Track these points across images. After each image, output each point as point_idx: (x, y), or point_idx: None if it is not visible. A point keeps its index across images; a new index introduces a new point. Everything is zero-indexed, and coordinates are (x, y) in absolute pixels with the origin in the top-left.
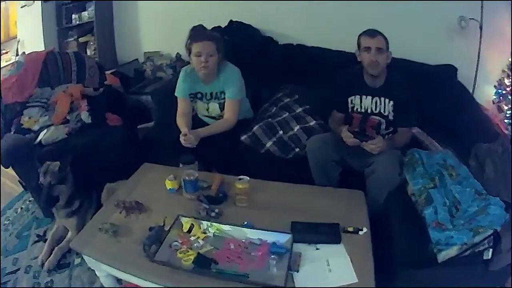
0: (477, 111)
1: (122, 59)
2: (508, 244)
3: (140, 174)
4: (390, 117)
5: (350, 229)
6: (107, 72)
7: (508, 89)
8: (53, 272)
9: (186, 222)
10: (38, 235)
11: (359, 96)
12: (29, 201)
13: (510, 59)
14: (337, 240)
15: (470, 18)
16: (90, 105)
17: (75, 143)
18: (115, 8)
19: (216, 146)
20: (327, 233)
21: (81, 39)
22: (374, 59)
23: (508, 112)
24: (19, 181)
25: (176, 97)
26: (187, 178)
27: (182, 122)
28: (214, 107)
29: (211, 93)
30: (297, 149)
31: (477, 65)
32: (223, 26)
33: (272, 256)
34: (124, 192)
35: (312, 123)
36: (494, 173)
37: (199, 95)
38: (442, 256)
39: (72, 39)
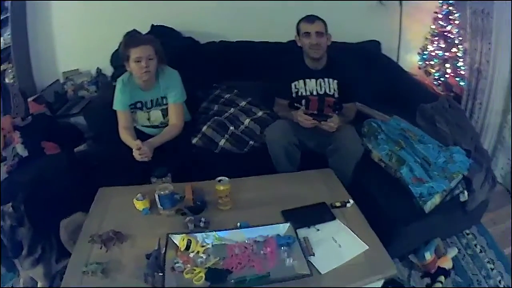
0: (408, 78)
1: (42, 83)
2: (478, 184)
3: (102, 201)
4: (336, 95)
5: (338, 204)
6: (30, 99)
7: (433, 54)
8: None
9: (181, 240)
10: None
11: (302, 80)
12: None
13: (432, 26)
14: (332, 217)
15: None
16: (23, 136)
17: (19, 180)
18: (29, 32)
19: (171, 154)
20: (320, 213)
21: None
22: (315, 42)
23: (436, 74)
24: None
25: (113, 112)
26: (162, 193)
27: (128, 136)
28: (156, 114)
29: (151, 100)
30: (251, 142)
31: (400, 37)
32: (144, 32)
33: (283, 248)
34: (93, 224)
35: (260, 113)
36: (448, 126)
37: (138, 105)
38: (429, 206)
39: None
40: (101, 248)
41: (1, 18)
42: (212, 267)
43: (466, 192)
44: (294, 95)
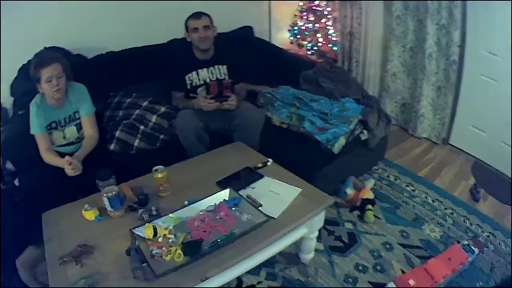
0: (284, 53)
1: None
2: (374, 123)
3: (51, 225)
4: (227, 79)
5: (260, 165)
6: None
7: (303, 28)
8: None
9: (147, 229)
10: None
11: (195, 72)
12: None
13: (300, 3)
14: (260, 176)
15: None
16: None
17: None
18: None
19: (93, 165)
20: (248, 175)
21: None
22: (203, 35)
23: (309, 45)
24: None
25: (29, 140)
26: (110, 195)
27: (53, 156)
28: (71, 131)
29: (65, 118)
30: (162, 136)
31: (270, 18)
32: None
33: (234, 209)
34: (55, 248)
35: (163, 109)
36: (333, 83)
37: (53, 125)
38: (337, 148)
39: None
40: (76, 264)
41: None
42: (184, 242)
43: (365, 132)
44: (189, 86)
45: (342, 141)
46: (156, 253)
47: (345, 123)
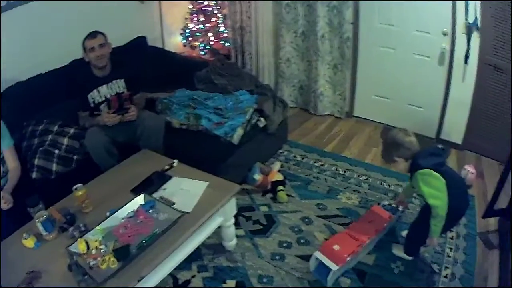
0: (177, 57)
1: None
2: (270, 109)
3: (1, 260)
4: (125, 91)
5: (167, 167)
6: None
7: (194, 30)
8: None
9: (80, 245)
10: None
11: (96, 90)
12: None
13: (190, 6)
14: (168, 177)
15: None
16: None
17: None
18: None
19: (21, 195)
20: (158, 178)
21: None
22: (99, 54)
23: (201, 45)
24: None
25: None
26: (42, 219)
27: None
28: None
29: None
30: (75, 157)
31: (161, 25)
32: None
33: (151, 211)
34: (10, 279)
35: (72, 130)
36: (225, 79)
37: None
38: (236, 139)
39: None
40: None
41: None
42: (115, 249)
43: (262, 119)
44: (92, 104)
45: (240, 131)
46: (93, 264)
47: (241, 114)
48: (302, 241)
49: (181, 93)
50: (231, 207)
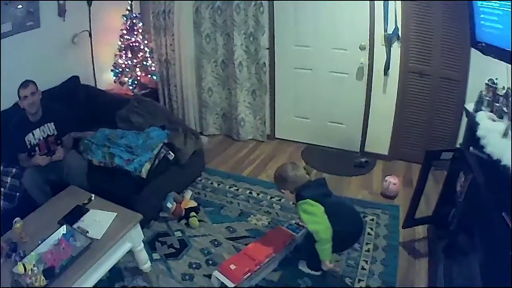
0: (104, 95)
1: None
2: (180, 143)
3: None
4: (55, 133)
5: (86, 201)
6: None
7: (123, 65)
8: None
9: (19, 267)
10: None
11: (31, 133)
12: None
13: (118, 43)
14: (87, 210)
15: (82, 31)
16: None
17: None
18: None
19: None
20: (79, 211)
21: None
22: (31, 101)
23: (130, 81)
24: None
25: None
26: None
27: None
28: None
29: None
30: (17, 194)
31: (93, 63)
32: None
33: (71, 239)
34: None
35: (14, 170)
36: (140, 117)
37: None
38: (144, 172)
39: None
40: None
41: None
42: (44, 270)
43: (171, 153)
44: (29, 146)
45: (147, 166)
46: (29, 282)
47: (149, 151)
48: (210, 262)
49: (101, 133)
50: (137, 234)
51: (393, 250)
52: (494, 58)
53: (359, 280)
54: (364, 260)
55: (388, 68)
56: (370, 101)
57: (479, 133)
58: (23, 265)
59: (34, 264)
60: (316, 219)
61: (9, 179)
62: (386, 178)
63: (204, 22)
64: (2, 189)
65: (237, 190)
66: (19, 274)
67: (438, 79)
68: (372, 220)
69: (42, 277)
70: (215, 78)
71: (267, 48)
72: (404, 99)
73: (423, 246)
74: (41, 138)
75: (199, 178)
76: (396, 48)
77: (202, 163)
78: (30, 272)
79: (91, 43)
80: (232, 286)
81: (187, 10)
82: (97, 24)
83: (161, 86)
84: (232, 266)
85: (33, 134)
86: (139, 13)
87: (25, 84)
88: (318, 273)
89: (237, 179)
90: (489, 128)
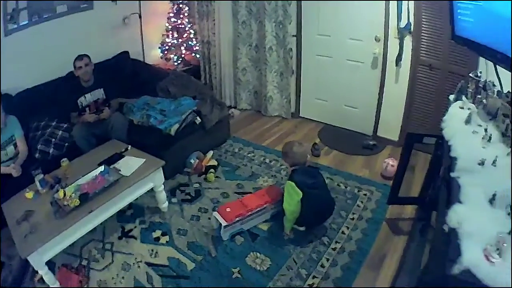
0: (150, 69)
1: None
2: (206, 111)
3: (8, 208)
4: (104, 97)
5: (123, 150)
6: None
7: (170, 44)
8: None
9: (61, 193)
10: None
11: (83, 97)
12: None
13: (166, 24)
14: (122, 156)
15: (132, 13)
16: None
17: None
18: None
19: (27, 168)
20: (117, 157)
21: None
22: (85, 72)
23: (175, 57)
24: None
25: None
26: (39, 178)
27: (1, 167)
28: (11, 149)
29: (5, 141)
30: (66, 144)
31: (142, 42)
32: None
33: (106, 176)
34: (13, 216)
35: (65, 125)
36: (175, 88)
37: None
38: (173, 131)
39: None
40: (24, 222)
41: None
42: (79, 195)
43: (198, 118)
44: (80, 107)
45: (175, 126)
46: (66, 204)
47: (178, 115)
48: (216, 208)
49: (142, 100)
50: (159, 176)
51: (376, 223)
52: (470, 50)
53: (336, 242)
54: (346, 226)
55: (400, 60)
56: (383, 89)
57: (444, 118)
58: (64, 191)
59: (72, 192)
60: (290, 201)
61: (60, 132)
62: (385, 160)
63: (241, 10)
64: (53, 140)
65: (254, 156)
66: (58, 198)
67: (447, 73)
68: (365, 195)
69: (77, 200)
70: (249, 60)
71: (293, 35)
72: (414, 89)
73: (407, 225)
74: (91, 100)
75: (224, 144)
76: (408, 41)
77: (228, 131)
78: (68, 197)
79: (140, 24)
80: (225, 224)
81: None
82: (147, 8)
83: (202, 64)
84: (228, 209)
85: (85, 97)
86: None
87: (80, 57)
88: (302, 228)
89: (256, 147)
90: (453, 114)
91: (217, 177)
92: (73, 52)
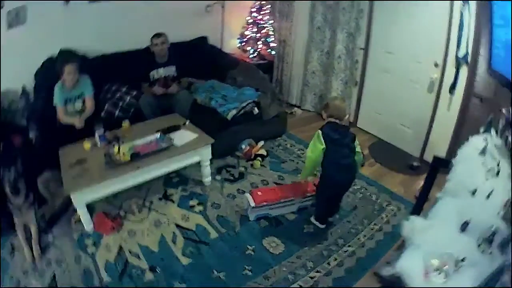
0: (225, 56)
1: None
2: (265, 104)
3: (64, 153)
4: (175, 75)
5: (182, 123)
6: None
7: (248, 37)
8: (43, 256)
9: (116, 149)
10: (10, 251)
11: (155, 70)
12: None
13: (247, 18)
14: (179, 128)
15: (215, 3)
16: None
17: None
18: None
19: (91, 123)
20: (174, 128)
21: None
22: (160, 49)
23: (251, 50)
24: None
25: (48, 112)
26: (99, 133)
27: (68, 118)
28: (78, 104)
29: (75, 97)
30: (132, 109)
31: (222, 30)
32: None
33: (160, 142)
34: (67, 161)
35: (134, 93)
36: (243, 79)
37: (68, 100)
38: (230, 116)
39: None
40: (76, 165)
41: None
42: (132, 154)
43: (256, 109)
44: (151, 79)
45: (233, 112)
46: (118, 158)
47: (238, 102)
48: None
49: (209, 83)
50: (206, 152)
51: (392, 238)
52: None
53: (349, 245)
54: (363, 234)
55: (454, 88)
56: (435, 114)
57: (463, 145)
58: (119, 147)
59: (127, 150)
60: (313, 149)
61: (128, 98)
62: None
63: (317, 16)
64: (121, 103)
65: (302, 153)
66: (112, 152)
67: (497, 108)
68: (392, 210)
69: (128, 157)
70: (319, 64)
71: (361, 48)
72: (463, 120)
73: None
74: (163, 75)
75: (279, 138)
76: (464, 71)
77: (284, 127)
78: (121, 153)
79: (222, 13)
80: (253, 205)
81: (305, 4)
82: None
83: (276, 60)
84: (259, 193)
85: (157, 71)
86: None
87: (158, 35)
88: (322, 226)
89: (306, 146)
90: (473, 142)
91: (262, 165)
92: (154, 29)
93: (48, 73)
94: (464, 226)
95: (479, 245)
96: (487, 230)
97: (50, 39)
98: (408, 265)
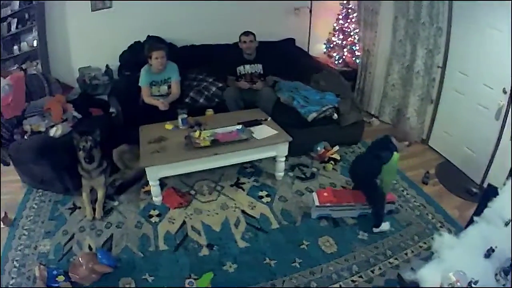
0: (311, 60)
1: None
2: (345, 110)
3: (144, 130)
4: (261, 72)
5: (263, 119)
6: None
7: (334, 43)
8: (104, 218)
9: (197, 133)
10: (70, 208)
11: (242, 66)
12: (38, 196)
13: (334, 25)
14: (259, 123)
15: (303, 7)
16: (75, 106)
17: (82, 129)
18: (49, 37)
19: (174, 108)
20: (255, 122)
21: (23, 66)
22: (248, 46)
23: (337, 56)
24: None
25: (133, 90)
26: (182, 117)
27: (152, 99)
28: (164, 88)
29: (161, 80)
30: (216, 99)
31: (309, 34)
32: (142, 40)
33: (239, 133)
34: (146, 137)
35: (220, 84)
36: (325, 83)
37: (153, 83)
38: (310, 117)
39: (15, 67)
40: (155, 143)
41: (27, 27)
42: (211, 140)
43: (335, 114)
44: (238, 74)
45: (313, 114)
46: (198, 142)
47: (320, 106)
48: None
49: (293, 84)
50: (283, 148)
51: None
52: None
53: (395, 258)
54: (411, 250)
55: None
56: (499, 143)
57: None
58: (200, 132)
59: (208, 135)
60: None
61: (214, 88)
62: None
63: (399, 29)
64: (206, 93)
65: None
66: (193, 135)
67: None
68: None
69: (208, 142)
70: (399, 78)
71: (439, 66)
72: None
73: None
74: (249, 72)
75: (354, 145)
76: None
77: (360, 135)
78: (202, 138)
79: (310, 18)
80: (317, 204)
81: (389, 16)
82: (319, 5)
83: (360, 69)
84: (325, 194)
85: (244, 67)
86: (355, 6)
87: (247, 33)
88: (387, 225)
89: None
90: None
91: (334, 169)
92: (243, 27)
93: (134, 55)
94: (489, 253)
95: (496, 274)
96: (506, 260)
97: (136, 25)
98: (428, 274)
